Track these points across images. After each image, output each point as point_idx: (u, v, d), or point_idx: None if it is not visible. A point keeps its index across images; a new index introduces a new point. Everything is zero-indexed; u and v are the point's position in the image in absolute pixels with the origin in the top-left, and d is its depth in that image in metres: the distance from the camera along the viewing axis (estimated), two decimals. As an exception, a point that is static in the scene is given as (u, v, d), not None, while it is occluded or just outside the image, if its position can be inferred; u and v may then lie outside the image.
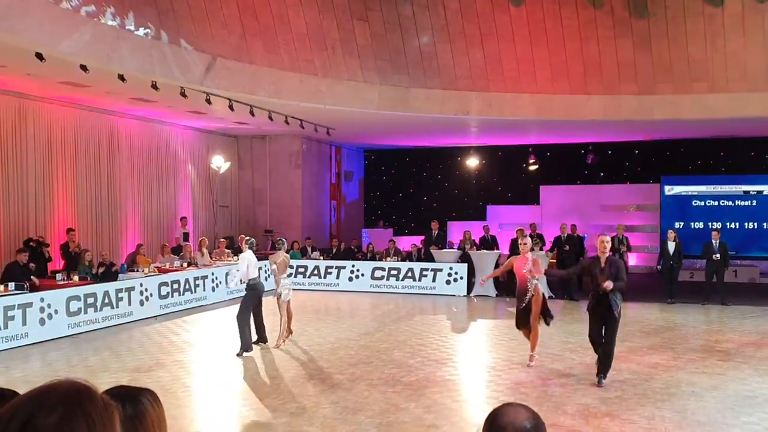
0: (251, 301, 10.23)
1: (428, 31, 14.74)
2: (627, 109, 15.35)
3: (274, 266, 10.44)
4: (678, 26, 14.33)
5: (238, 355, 9.80)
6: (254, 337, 10.37)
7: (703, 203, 20.18)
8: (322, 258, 18.14)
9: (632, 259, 18.84)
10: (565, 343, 10.44)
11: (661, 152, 21.58)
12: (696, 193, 20.26)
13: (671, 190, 20.43)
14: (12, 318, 10.27)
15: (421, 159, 24.46)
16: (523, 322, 9.05)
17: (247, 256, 10.31)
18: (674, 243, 15.22)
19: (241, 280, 10.67)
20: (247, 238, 10.81)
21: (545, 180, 22.12)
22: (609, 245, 8.18)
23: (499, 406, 1.77)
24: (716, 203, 20.05)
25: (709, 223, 19.41)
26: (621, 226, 16.53)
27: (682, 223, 19.84)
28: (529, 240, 9.17)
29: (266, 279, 11.21)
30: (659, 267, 15.74)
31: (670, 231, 15.83)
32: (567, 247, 15.95)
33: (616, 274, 7.98)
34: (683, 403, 7.31)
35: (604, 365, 8.08)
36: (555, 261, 16.50)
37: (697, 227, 19.88)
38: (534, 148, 22.08)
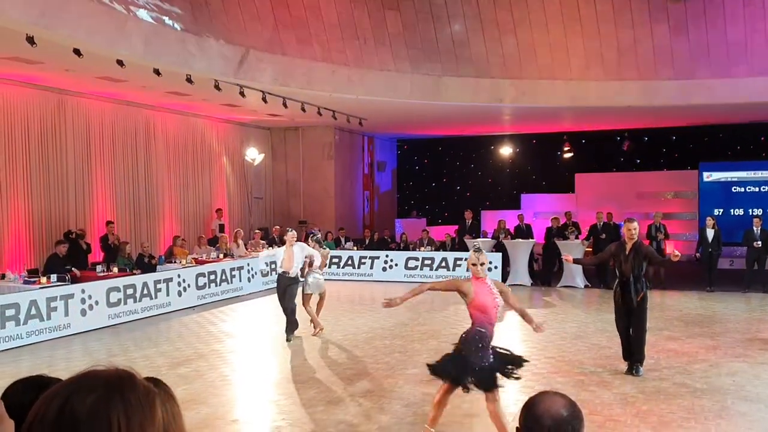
0: (277, 291, 10.50)
1: (460, 18, 14.63)
2: (663, 94, 15.08)
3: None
4: (716, 8, 14.01)
5: (287, 340, 10.09)
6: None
7: (743, 189, 19.71)
8: (355, 248, 18.21)
9: (670, 247, 18.46)
10: (602, 332, 10.33)
11: (698, 138, 21.16)
12: (736, 179, 19.78)
13: (710, 176, 19.99)
14: (54, 309, 10.52)
15: (454, 148, 24.34)
16: None
17: (280, 248, 10.67)
18: (713, 230, 14.95)
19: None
20: (290, 230, 10.80)
21: (580, 168, 21.85)
22: (636, 231, 7.88)
23: (535, 395, 1.78)
24: (757, 189, 19.57)
25: (750, 210, 18.98)
26: (659, 214, 16.26)
27: (721, 210, 19.41)
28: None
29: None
30: (698, 255, 15.47)
31: (708, 218, 15.54)
32: (603, 236, 15.72)
33: (644, 258, 7.84)
34: (723, 393, 7.19)
35: (635, 354, 7.97)
36: (591, 250, 16.31)
37: (737, 214, 19.45)
38: (569, 136, 21.82)
